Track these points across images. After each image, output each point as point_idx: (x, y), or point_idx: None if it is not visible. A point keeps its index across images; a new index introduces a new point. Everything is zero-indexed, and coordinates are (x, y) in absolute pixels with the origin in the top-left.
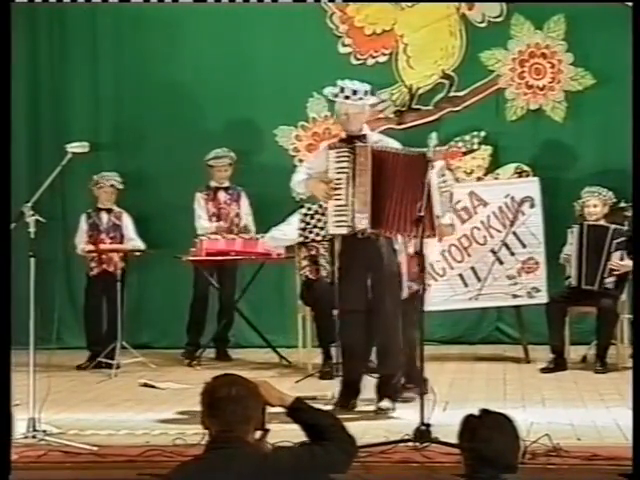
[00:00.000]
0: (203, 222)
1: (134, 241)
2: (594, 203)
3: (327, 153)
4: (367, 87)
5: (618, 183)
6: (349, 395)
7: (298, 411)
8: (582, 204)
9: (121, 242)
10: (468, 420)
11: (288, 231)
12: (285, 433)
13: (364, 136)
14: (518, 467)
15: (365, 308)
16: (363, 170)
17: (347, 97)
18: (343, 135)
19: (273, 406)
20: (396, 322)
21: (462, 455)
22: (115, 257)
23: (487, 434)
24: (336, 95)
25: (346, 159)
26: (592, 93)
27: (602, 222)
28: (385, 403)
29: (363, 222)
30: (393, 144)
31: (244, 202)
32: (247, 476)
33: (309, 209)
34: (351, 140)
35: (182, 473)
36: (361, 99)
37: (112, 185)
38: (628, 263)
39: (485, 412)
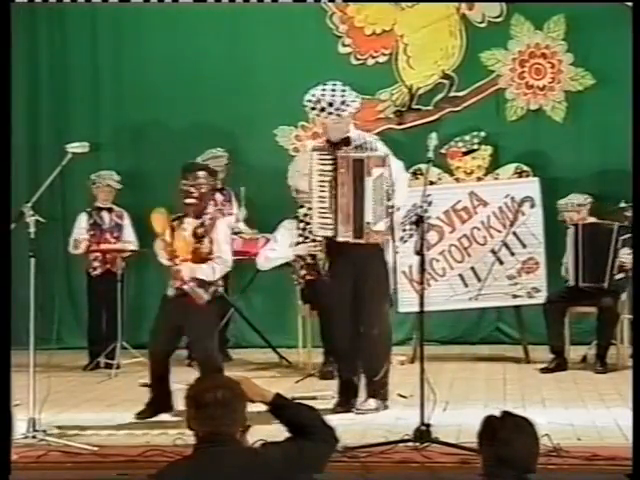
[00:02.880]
0: None
1: (132, 242)
2: (569, 216)
3: (310, 155)
4: (345, 97)
5: (618, 183)
6: (348, 394)
7: (279, 407)
8: (563, 218)
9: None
10: (489, 421)
11: (280, 249)
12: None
13: (347, 140)
14: (536, 468)
15: (351, 309)
16: (345, 183)
17: (323, 109)
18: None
19: (254, 402)
20: (380, 322)
21: (480, 456)
22: (118, 257)
23: (508, 437)
24: (313, 107)
25: (328, 163)
26: (592, 93)
27: (595, 221)
28: (370, 403)
29: (346, 235)
30: (377, 146)
31: (235, 203)
32: (238, 473)
33: (309, 209)
34: (335, 144)
35: (172, 472)
36: (338, 109)
37: (108, 185)
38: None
39: (506, 414)
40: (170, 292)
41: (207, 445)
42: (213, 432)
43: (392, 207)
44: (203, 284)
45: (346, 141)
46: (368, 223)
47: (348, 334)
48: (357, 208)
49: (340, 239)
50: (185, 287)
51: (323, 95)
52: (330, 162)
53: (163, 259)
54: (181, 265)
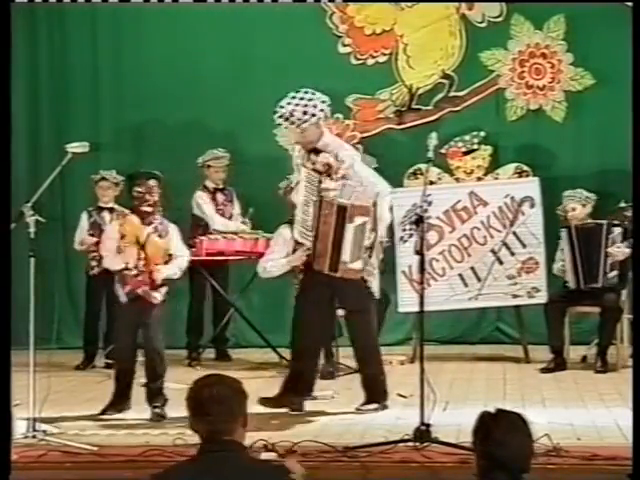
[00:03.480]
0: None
1: None
2: (572, 206)
3: (299, 168)
4: (308, 107)
5: (618, 183)
6: (296, 390)
7: None
8: (564, 209)
9: None
10: (483, 419)
11: (276, 261)
12: None
13: (317, 151)
14: (530, 467)
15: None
16: (327, 223)
17: (286, 119)
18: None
19: None
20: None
21: (474, 454)
22: None
23: (502, 436)
24: (279, 117)
25: (313, 186)
26: (592, 93)
27: (588, 221)
28: (370, 405)
29: (321, 266)
30: (351, 163)
31: (236, 203)
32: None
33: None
34: (317, 151)
35: (176, 473)
36: (299, 119)
37: (105, 178)
38: (626, 250)
39: (500, 412)
40: (123, 299)
41: (210, 448)
42: (211, 430)
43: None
44: (157, 286)
45: (316, 151)
46: (345, 262)
47: (316, 335)
48: (335, 247)
49: (315, 267)
50: (139, 291)
51: (288, 104)
52: (314, 186)
53: (119, 265)
54: (154, 269)
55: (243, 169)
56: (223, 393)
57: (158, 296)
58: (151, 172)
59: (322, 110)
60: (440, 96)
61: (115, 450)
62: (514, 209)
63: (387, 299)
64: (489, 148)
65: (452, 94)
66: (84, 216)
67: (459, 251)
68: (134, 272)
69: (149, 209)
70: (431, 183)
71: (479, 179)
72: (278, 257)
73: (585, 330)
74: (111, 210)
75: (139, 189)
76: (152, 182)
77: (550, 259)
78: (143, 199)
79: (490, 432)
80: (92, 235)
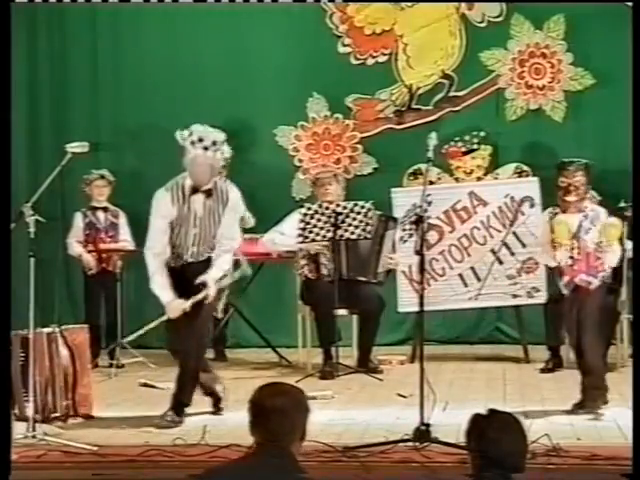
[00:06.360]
0: None
1: (127, 241)
2: None
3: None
4: (222, 136)
5: (618, 183)
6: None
7: None
8: None
9: (118, 241)
10: (476, 420)
11: (287, 237)
12: None
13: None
14: (525, 467)
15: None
16: None
17: (206, 148)
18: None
19: None
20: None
21: (469, 454)
22: (114, 256)
23: (495, 436)
24: (193, 143)
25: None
26: (592, 93)
27: None
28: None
29: None
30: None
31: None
32: None
33: (309, 209)
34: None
35: (221, 474)
36: (219, 150)
37: (103, 177)
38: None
39: (493, 412)
40: (564, 291)
41: (263, 451)
42: (269, 439)
43: None
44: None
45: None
46: None
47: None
48: None
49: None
50: (576, 280)
51: (203, 134)
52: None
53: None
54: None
55: (242, 169)
56: (285, 405)
57: (595, 281)
58: (579, 163)
59: None
60: (440, 96)
61: (115, 450)
62: (514, 209)
63: (382, 302)
64: (489, 148)
65: (452, 94)
66: (79, 217)
67: (459, 251)
68: (570, 262)
69: (575, 198)
70: (431, 183)
71: (479, 179)
72: (289, 234)
73: None
74: (105, 209)
75: (564, 178)
76: (579, 172)
77: None
78: (567, 189)
79: (484, 432)
80: (88, 235)
